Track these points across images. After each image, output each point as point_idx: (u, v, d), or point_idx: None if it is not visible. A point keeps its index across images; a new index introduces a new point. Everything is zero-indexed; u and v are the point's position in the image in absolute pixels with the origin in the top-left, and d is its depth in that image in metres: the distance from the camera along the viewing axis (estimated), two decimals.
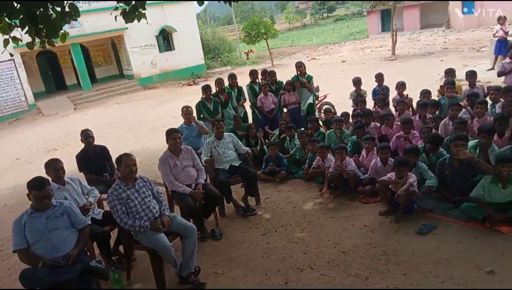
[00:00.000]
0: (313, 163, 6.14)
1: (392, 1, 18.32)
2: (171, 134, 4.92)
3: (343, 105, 9.21)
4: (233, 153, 5.69)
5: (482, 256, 3.72)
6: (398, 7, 22.22)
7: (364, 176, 5.56)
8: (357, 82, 8.15)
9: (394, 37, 18.82)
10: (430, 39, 23.63)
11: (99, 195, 4.75)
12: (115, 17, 5.27)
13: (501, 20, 11.55)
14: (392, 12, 19.48)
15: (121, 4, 5.06)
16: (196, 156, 5.11)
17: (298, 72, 8.26)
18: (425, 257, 3.83)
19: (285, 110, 8.37)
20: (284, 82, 8.40)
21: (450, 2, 27.70)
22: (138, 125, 13.09)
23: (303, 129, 7.61)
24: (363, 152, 5.92)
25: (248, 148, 6.11)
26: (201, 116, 7.39)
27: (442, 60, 15.38)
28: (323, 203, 5.41)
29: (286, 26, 63.73)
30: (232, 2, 5.71)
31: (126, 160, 3.86)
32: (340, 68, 18.34)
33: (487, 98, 6.48)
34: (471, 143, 5.00)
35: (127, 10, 4.97)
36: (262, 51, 31.50)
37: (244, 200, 5.52)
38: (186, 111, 6.57)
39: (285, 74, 10.25)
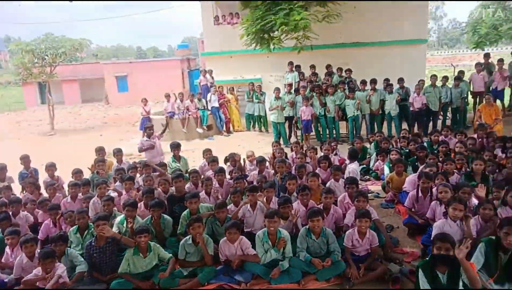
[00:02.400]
0: None
1: (44, 75, 17.80)
2: None
3: None
4: None
5: None
6: (57, 80, 21.91)
7: (9, 278, 4.78)
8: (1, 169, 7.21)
9: (52, 111, 18.22)
10: (91, 114, 24.56)
11: None
12: None
13: (143, 101, 13.59)
14: (47, 86, 18.88)
15: None
16: None
17: None
18: None
19: None
20: None
21: (106, 79, 30.12)
22: None
23: None
24: (7, 249, 5.13)
25: None
26: None
27: (101, 135, 16.18)
28: None
29: None
30: None
31: None
32: None
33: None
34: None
35: None
36: None
37: None
38: None
39: None
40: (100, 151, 7.90)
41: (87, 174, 7.37)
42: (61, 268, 4.31)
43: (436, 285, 3.54)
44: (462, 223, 4.51)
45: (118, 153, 7.81)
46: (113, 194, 6.12)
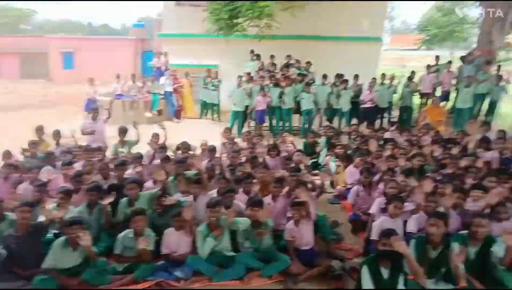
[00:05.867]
0: None
1: None
2: None
3: None
4: None
5: None
6: None
7: None
8: None
9: None
10: (31, 90, 22.69)
11: None
12: None
13: (89, 80, 12.69)
14: None
15: None
16: None
17: None
18: None
19: None
20: None
21: (51, 54, 28.04)
22: None
23: None
24: None
25: None
26: None
27: (40, 114, 14.95)
28: None
29: None
30: None
31: None
32: None
33: None
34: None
35: None
36: None
37: None
38: None
39: None
40: (39, 130, 7.29)
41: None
42: None
43: (378, 280, 3.58)
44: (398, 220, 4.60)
45: (57, 134, 7.24)
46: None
